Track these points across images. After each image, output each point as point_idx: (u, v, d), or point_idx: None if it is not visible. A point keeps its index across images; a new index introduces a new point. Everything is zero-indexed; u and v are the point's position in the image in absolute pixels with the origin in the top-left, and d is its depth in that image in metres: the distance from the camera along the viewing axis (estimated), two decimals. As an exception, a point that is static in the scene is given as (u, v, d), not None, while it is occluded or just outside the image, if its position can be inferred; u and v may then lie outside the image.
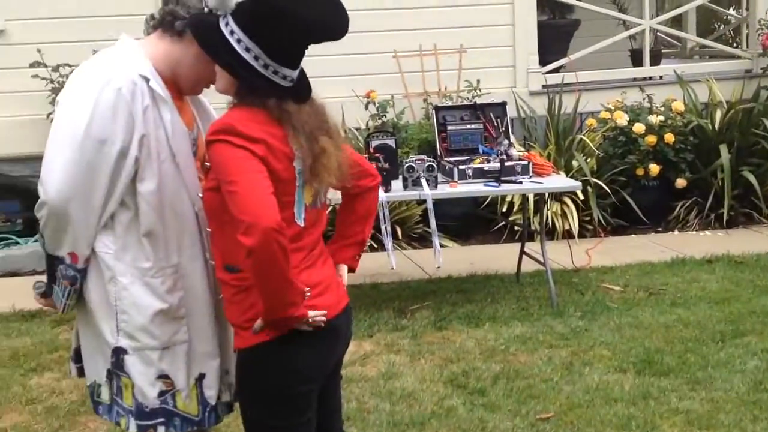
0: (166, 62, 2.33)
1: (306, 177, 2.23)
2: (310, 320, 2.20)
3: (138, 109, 2.25)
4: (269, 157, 2.14)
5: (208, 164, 2.24)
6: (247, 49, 2.14)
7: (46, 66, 6.01)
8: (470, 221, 6.80)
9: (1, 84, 6.32)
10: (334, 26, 2.20)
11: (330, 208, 2.48)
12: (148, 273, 2.33)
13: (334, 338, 2.33)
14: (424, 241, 6.65)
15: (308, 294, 2.20)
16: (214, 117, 2.52)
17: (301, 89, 2.26)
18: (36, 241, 6.53)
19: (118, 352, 2.33)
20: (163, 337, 2.35)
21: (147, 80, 2.28)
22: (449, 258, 5.63)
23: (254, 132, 2.13)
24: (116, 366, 2.34)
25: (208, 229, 2.32)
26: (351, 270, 2.54)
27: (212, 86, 2.32)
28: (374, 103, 6.67)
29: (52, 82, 6.03)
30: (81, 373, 2.52)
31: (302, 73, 2.27)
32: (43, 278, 2.42)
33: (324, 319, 2.23)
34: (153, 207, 2.29)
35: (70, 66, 6.00)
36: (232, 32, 2.15)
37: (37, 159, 6.34)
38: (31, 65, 5.98)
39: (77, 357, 2.52)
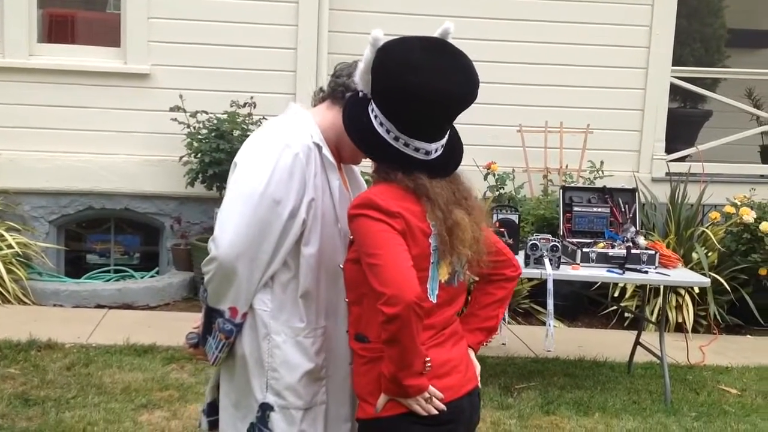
0: (332, 131, 2.41)
1: (441, 252, 2.24)
2: (428, 397, 2.19)
3: (310, 173, 2.32)
4: (406, 232, 2.18)
5: (351, 237, 2.29)
6: (381, 123, 2.22)
7: (185, 111, 6.23)
8: (578, 302, 6.67)
9: (141, 124, 6.57)
10: (464, 97, 2.20)
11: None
12: (301, 333, 2.36)
13: (456, 420, 2.29)
14: (529, 317, 6.55)
15: (429, 365, 2.19)
16: (364, 187, 2.59)
17: (440, 163, 2.26)
18: (152, 276, 6.73)
19: (265, 408, 2.36)
20: (307, 398, 2.38)
21: (320, 148, 2.36)
22: (556, 338, 5.48)
23: (392, 207, 2.17)
24: (261, 421, 2.36)
25: (346, 300, 2.35)
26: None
27: None
28: (494, 175, 6.66)
29: (188, 126, 6.24)
30: (212, 426, 2.54)
31: (450, 149, 2.29)
32: (196, 329, 2.47)
33: (442, 406, 2.22)
34: (312, 269, 2.34)
35: (207, 113, 6.24)
36: (372, 110, 2.24)
37: (161, 198, 6.69)
38: (171, 109, 6.21)
39: (211, 410, 2.54)
